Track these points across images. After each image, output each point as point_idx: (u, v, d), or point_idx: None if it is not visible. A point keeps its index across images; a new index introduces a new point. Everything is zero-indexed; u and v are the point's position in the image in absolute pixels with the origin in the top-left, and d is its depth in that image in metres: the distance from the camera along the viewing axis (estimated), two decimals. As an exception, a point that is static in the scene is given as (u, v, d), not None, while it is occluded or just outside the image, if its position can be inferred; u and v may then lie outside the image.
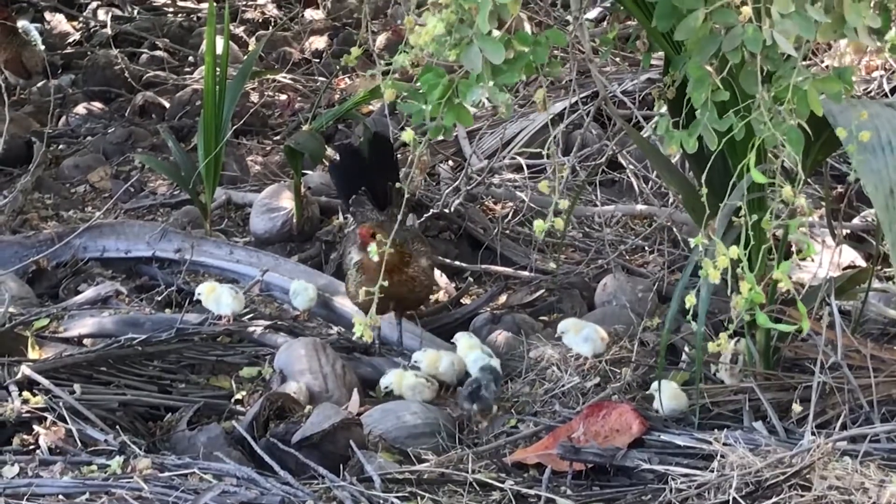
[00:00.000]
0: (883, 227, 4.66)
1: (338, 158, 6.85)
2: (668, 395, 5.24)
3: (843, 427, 4.84)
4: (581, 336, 5.82)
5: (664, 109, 5.24)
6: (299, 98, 9.39)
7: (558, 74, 4.62)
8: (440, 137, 4.39)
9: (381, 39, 9.60)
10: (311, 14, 10.93)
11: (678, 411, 5.27)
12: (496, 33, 4.19)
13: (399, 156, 7.00)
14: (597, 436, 5.00)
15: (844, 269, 6.38)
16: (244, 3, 10.87)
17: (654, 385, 5.27)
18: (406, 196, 4.64)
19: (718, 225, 4.55)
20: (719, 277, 4.07)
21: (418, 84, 4.31)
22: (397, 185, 6.27)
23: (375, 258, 4.48)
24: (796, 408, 4.83)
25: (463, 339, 5.88)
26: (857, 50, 6.87)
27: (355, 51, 4.80)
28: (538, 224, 4.23)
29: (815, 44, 4.48)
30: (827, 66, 7.25)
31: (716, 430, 4.85)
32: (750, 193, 4.58)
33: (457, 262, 7.00)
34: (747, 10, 4.09)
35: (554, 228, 4.28)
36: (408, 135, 4.27)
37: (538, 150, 7.80)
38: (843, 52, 6.70)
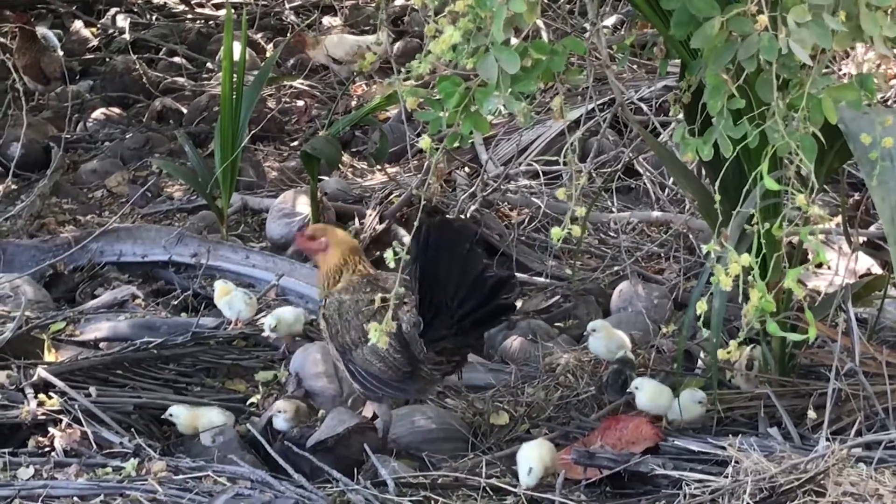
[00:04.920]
0: (889, 240, 4.65)
1: None
2: (685, 407, 5.23)
3: (859, 434, 4.82)
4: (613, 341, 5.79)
5: (681, 116, 5.23)
6: (316, 104, 9.41)
7: (576, 82, 4.61)
8: (456, 144, 4.38)
9: (399, 45, 9.63)
10: (328, 20, 10.95)
11: (694, 422, 5.27)
12: (514, 41, 4.19)
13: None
14: (613, 447, 5.01)
15: (861, 276, 6.36)
16: (262, 9, 10.89)
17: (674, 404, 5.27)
18: None
19: (731, 232, 4.53)
20: (731, 285, 4.06)
21: (435, 91, 4.31)
22: None
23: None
24: (812, 414, 4.80)
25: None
26: (883, 57, 6.84)
27: (370, 56, 4.81)
28: (555, 231, 4.23)
29: (833, 51, 4.46)
30: (843, 74, 7.24)
31: (731, 436, 4.85)
32: (764, 200, 4.57)
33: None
34: (763, 19, 4.08)
35: (571, 236, 4.26)
36: (425, 143, 4.27)
37: (554, 157, 7.83)
38: (861, 59, 6.68)
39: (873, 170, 4.46)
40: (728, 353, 4.13)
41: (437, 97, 4.30)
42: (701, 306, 4.14)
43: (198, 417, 5.30)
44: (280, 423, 5.29)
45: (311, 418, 5.38)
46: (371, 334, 4.37)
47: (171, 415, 5.32)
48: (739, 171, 4.86)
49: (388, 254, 4.33)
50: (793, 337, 4.23)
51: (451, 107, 4.26)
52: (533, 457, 4.86)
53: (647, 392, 5.30)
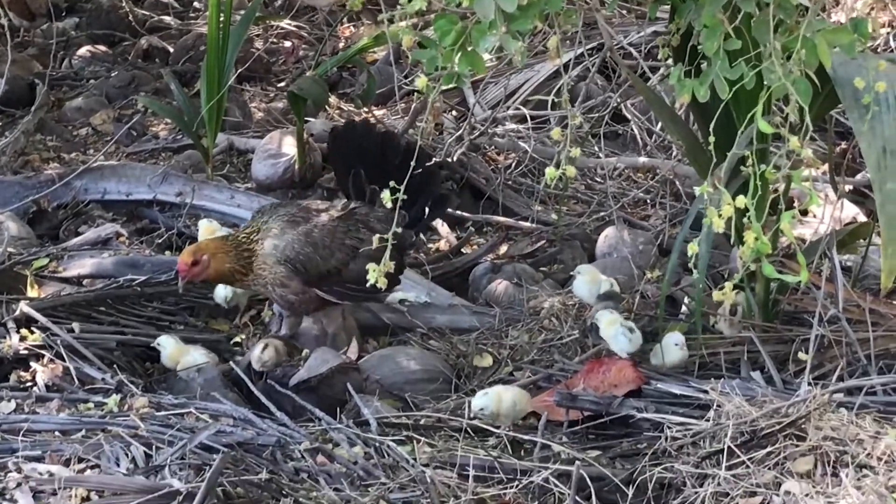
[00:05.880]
0: (873, 187, 4.65)
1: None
2: (667, 351, 5.24)
3: (840, 379, 4.85)
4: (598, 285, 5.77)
5: (670, 60, 5.20)
6: (303, 45, 9.35)
7: (573, 23, 4.57)
8: (445, 86, 4.35)
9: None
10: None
11: (677, 366, 5.28)
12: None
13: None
14: (596, 390, 5.02)
15: (846, 224, 6.36)
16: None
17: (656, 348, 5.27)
18: None
19: (724, 174, 4.52)
20: (723, 227, 4.05)
21: (426, 30, 4.28)
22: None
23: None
24: (801, 356, 4.79)
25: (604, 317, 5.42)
26: (877, 2, 6.80)
27: (356, -8, 4.77)
28: (550, 171, 4.20)
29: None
30: (833, 22, 7.21)
31: (713, 380, 4.86)
32: (752, 145, 4.56)
33: (458, 212, 6.98)
34: (761, -40, 4.05)
35: (564, 176, 4.24)
36: (421, 81, 4.23)
37: (544, 98, 7.80)
38: (851, 5, 6.67)
39: (861, 115, 4.44)
40: (724, 294, 4.12)
41: (432, 36, 4.26)
42: (692, 248, 4.12)
43: (182, 353, 5.29)
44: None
45: (293, 357, 5.38)
46: (371, 275, 4.34)
47: (158, 343, 5.34)
48: (726, 115, 4.84)
49: (385, 194, 4.30)
50: (787, 279, 4.22)
51: (448, 45, 4.22)
52: (492, 390, 5.01)
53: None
